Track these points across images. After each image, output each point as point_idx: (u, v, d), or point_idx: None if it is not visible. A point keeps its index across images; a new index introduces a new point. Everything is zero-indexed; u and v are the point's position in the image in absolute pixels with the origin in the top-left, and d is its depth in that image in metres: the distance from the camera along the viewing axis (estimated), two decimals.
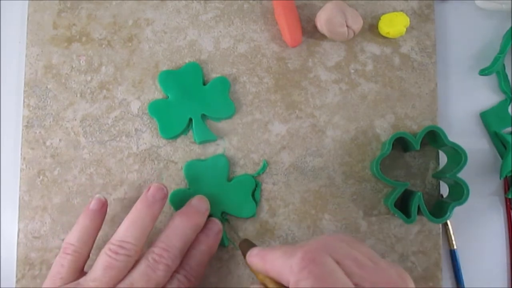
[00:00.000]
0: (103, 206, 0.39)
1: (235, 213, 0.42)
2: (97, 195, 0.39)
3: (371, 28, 0.45)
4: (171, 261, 0.36)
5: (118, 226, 0.37)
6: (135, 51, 0.44)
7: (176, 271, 0.37)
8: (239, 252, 0.42)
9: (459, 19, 0.46)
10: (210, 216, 0.41)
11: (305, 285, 0.27)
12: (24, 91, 0.43)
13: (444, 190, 0.43)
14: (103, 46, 0.44)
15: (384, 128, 0.44)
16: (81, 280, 0.35)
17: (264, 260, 0.31)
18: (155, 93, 0.44)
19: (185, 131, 0.43)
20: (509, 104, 0.45)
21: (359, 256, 0.29)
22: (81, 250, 0.37)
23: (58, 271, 0.36)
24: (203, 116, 0.43)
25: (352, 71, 0.44)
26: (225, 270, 0.42)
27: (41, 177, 0.42)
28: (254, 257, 0.32)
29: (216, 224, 0.40)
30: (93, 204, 0.39)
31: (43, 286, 0.36)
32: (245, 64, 0.44)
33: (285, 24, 0.43)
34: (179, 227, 0.37)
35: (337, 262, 0.28)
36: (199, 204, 0.39)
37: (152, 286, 0.35)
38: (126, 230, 0.36)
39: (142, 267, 0.35)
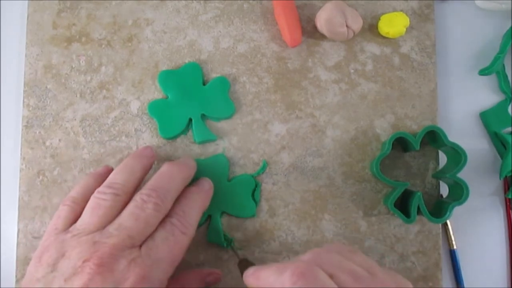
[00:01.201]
0: (108, 171, 0.39)
1: (235, 213, 0.42)
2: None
3: (371, 28, 0.45)
4: (160, 200, 0.34)
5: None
6: (135, 51, 0.44)
7: (168, 215, 0.35)
8: (239, 252, 0.42)
9: (459, 19, 0.46)
10: (209, 216, 0.41)
11: None
12: (23, 91, 0.43)
13: (444, 190, 0.43)
14: (103, 46, 0.44)
15: (384, 128, 0.44)
16: (71, 227, 0.34)
17: (258, 279, 0.31)
18: (155, 93, 0.43)
19: (185, 131, 0.43)
20: (509, 104, 0.45)
21: (355, 267, 0.29)
22: (80, 203, 0.36)
23: (55, 222, 0.36)
24: (203, 116, 0.43)
25: (352, 71, 0.44)
26: (225, 270, 0.42)
27: (40, 177, 0.42)
28: (250, 277, 0.32)
29: (207, 181, 0.40)
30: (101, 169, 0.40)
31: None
32: (245, 64, 0.44)
33: (285, 24, 0.43)
34: (167, 173, 0.37)
35: (331, 275, 0.28)
36: (187, 159, 0.40)
37: (142, 225, 0.33)
38: (115, 174, 0.36)
39: (130, 207, 0.34)
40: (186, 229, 0.35)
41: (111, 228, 0.33)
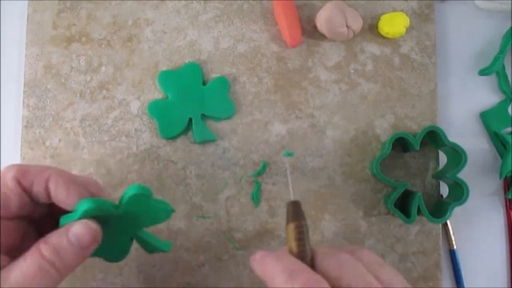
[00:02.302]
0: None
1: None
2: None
3: (371, 28, 0.45)
4: None
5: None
6: (135, 51, 0.44)
7: None
8: (239, 252, 0.42)
9: (459, 19, 0.46)
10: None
11: None
12: (23, 91, 0.43)
13: (444, 190, 0.43)
14: (103, 46, 0.44)
15: (384, 128, 0.44)
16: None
17: (264, 270, 0.30)
18: (155, 93, 0.43)
19: (185, 131, 0.43)
20: (509, 104, 0.45)
21: (373, 282, 0.28)
22: None
23: None
24: (203, 116, 0.43)
25: (352, 71, 0.44)
26: (225, 270, 0.42)
27: None
28: (256, 263, 0.31)
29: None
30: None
31: None
32: (245, 64, 0.44)
33: (285, 24, 0.43)
34: None
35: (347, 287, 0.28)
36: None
37: None
38: None
39: None
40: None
41: None
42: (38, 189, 0.31)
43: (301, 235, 0.31)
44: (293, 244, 0.30)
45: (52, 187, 0.31)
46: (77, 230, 0.30)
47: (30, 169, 0.31)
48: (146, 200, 0.32)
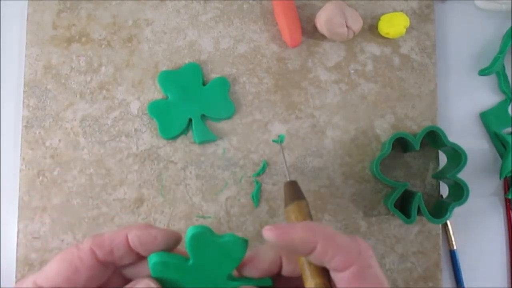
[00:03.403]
0: None
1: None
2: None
3: (371, 28, 0.45)
4: None
5: (118, 228, 0.36)
6: (135, 51, 0.44)
7: None
8: None
9: (459, 19, 0.46)
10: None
11: (373, 273, 0.27)
12: (23, 91, 0.43)
13: (444, 190, 0.43)
14: (103, 46, 0.44)
15: (384, 129, 0.44)
16: None
17: (324, 235, 0.28)
18: (155, 93, 0.43)
19: (185, 131, 0.43)
20: (509, 104, 0.45)
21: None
22: None
23: None
24: (203, 117, 0.43)
25: (352, 71, 0.44)
26: None
27: (40, 177, 0.42)
28: (276, 231, 0.28)
29: None
30: None
31: None
32: (245, 65, 0.44)
33: (285, 24, 0.43)
34: None
35: None
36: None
37: None
38: None
39: None
40: None
41: None
42: (119, 253, 0.29)
43: (306, 217, 0.30)
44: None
45: (135, 243, 0.29)
46: None
47: (105, 237, 0.29)
48: (209, 239, 0.29)
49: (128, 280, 0.30)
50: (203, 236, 0.28)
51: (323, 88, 0.44)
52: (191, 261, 0.29)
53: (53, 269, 0.29)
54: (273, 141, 0.41)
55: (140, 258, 0.30)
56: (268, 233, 0.28)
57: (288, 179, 0.31)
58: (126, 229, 0.30)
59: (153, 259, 0.28)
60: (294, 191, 0.31)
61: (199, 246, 0.28)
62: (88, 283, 0.29)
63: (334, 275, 0.28)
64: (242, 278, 0.30)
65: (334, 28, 0.42)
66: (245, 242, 0.29)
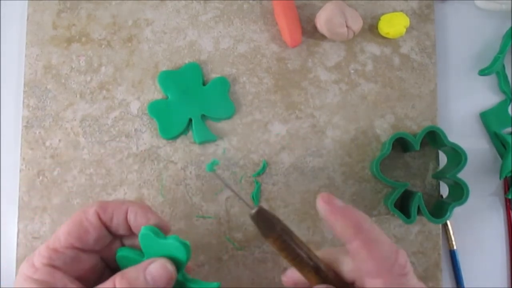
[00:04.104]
0: None
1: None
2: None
3: (371, 28, 0.45)
4: None
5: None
6: (135, 51, 0.44)
7: None
8: (239, 252, 0.42)
9: (459, 19, 0.46)
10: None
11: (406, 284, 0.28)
12: (23, 91, 0.43)
13: (444, 190, 0.43)
14: (103, 46, 0.44)
15: (384, 129, 0.44)
16: None
17: (365, 236, 0.28)
18: (155, 93, 0.43)
19: (185, 131, 0.43)
20: (509, 104, 0.45)
21: None
22: None
23: None
24: (203, 117, 0.43)
25: (352, 71, 0.44)
26: (225, 270, 0.42)
27: (40, 177, 0.42)
28: (329, 205, 0.29)
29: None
30: None
31: None
32: (245, 64, 0.44)
33: (285, 24, 0.43)
34: None
35: None
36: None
37: None
38: None
39: None
40: None
41: None
42: (117, 221, 0.32)
43: (282, 250, 0.29)
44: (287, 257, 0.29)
45: (131, 217, 0.32)
46: (154, 270, 0.30)
47: (109, 204, 0.33)
48: (154, 240, 0.31)
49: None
50: (148, 237, 0.31)
51: (323, 88, 0.44)
52: (144, 258, 0.32)
53: (64, 231, 0.32)
54: (208, 168, 0.36)
55: (131, 233, 0.33)
56: (320, 202, 0.29)
57: (251, 211, 0.28)
58: (129, 203, 0.33)
59: (142, 231, 0.31)
60: (262, 226, 0.29)
61: (148, 245, 0.32)
62: (96, 243, 0.32)
63: (363, 279, 0.29)
64: (192, 279, 0.33)
65: (334, 28, 0.42)
66: (186, 246, 0.31)
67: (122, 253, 0.33)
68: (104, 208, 0.32)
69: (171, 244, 0.31)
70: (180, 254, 0.31)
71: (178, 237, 0.31)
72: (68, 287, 0.30)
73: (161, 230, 0.32)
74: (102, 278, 0.31)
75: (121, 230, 0.33)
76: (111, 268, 0.34)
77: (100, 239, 0.33)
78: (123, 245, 0.34)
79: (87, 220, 0.32)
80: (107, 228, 0.33)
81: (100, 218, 0.32)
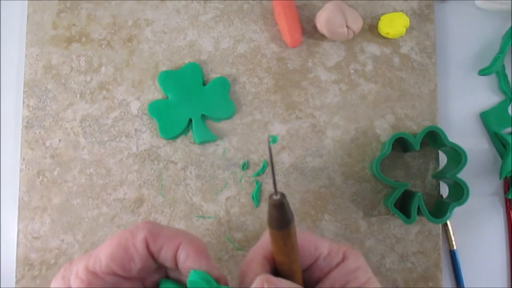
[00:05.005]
0: None
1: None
2: None
3: (371, 28, 0.45)
4: None
5: (117, 227, 0.36)
6: (135, 51, 0.44)
7: None
8: (239, 252, 0.42)
9: (459, 19, 0.46)
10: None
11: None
12: (23, 91, 0.43)
13: (444, 190, 0.43)
14: (103, 46, 0.44)
15: (384, 129, 0.44)
16: None
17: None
18: (155, 93, 0.43)
19: (185, 131, 0.43)
20: (509, 104, 0.45)
21: None
22: None
23: None
24: (203, 117, 0.43)
25: (352, 71, 0.44)
26: (225, 270, 0.42)
27: (40, 177, 0.42)
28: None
29: None
30: None
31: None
32: (245, 65, 0.44)
33: (285, 24, 0.43)
34: None
35: None
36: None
37: None
38: None
39: None
40: None
41: None
42: (166, 255, 0.29)
43: (294, 245, 0.27)
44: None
45: (181, 257, 0.29)
46: None
47: (161, 233, 0.29)
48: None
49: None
50: (198, 285, 0.28)
51: (323, 88, 0.44)
52: None
53: (107, 254, 0.28)
54: (268, 136, 0.34)
55: (176, 266, 0.29)
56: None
57: (276, 195, 0.26)
58: (183, 237, 0.29)
59: (192, 276, 0.28)
60: (282, 214, 0.26)
61: None
62: (139, 273, 0.29)
63: None
64: None
65: (334, 28, 0.42)
66: None
67: (165, 286, 0.30)
68: (155, 236, 0.29)
69: None
70: None
71: None
72: None
73: (214, 278, 0.29)
74: None
75: (168, 264, 0.29)
76: None
77: (144, 269, 0.29)
78: (167, 275, 0.31)
79: (133, 246, 0.28)
80: (153, 257, 0.29)
81: (148, 247, 0.29)
